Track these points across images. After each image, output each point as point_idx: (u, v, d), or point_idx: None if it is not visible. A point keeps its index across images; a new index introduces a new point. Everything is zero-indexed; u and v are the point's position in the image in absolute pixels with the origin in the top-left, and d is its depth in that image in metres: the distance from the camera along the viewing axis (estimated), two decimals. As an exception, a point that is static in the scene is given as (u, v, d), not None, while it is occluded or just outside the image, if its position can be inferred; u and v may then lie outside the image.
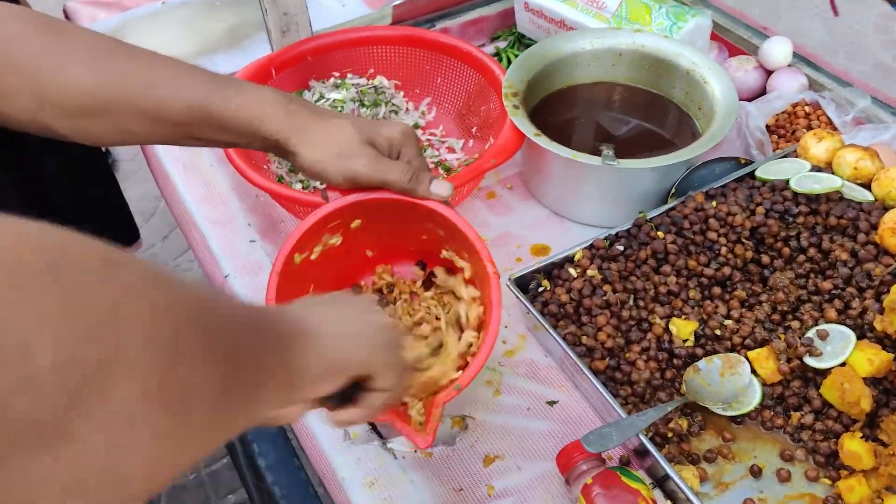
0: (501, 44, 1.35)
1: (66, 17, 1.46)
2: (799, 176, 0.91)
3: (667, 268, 0.87)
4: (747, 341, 0.83)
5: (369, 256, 0.86)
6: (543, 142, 0.95)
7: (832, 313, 0.82)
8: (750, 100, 1.15)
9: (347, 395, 0.56)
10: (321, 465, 0.81)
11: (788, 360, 0.80)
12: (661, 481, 0.75)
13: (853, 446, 0.73)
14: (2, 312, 0.24)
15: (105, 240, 0.31)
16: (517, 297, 0.85)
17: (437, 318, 0.80)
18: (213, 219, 1.05)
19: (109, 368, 0.27)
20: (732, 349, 0.83)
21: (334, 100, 1.14)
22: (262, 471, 0.79)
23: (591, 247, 0.89)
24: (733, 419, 0.80)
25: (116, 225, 1.77)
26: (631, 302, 0.86)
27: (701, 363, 0.81)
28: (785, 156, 0.98)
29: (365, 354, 0.53)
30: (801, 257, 0.88)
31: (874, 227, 0.86)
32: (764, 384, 0.80)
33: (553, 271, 0.89)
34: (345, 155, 0.69)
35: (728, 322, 0.85)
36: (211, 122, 0.68)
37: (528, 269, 0.87)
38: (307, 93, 1.16)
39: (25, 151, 1.47)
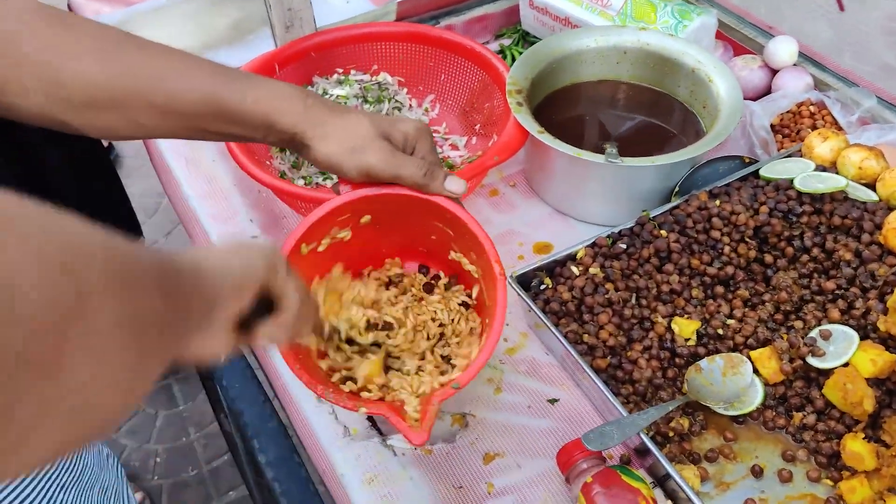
0: (506, 41, 1.35)
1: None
2: (803, 175, 0.90)
3: (669, 266, 0.87)
4: (750, 341, 0.82)
5: (378, 252, 0.86)
6: (547, 139, 0.94)
7: (835, 313, 0.81)
8: (755, 99, 1.15)
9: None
10: (321, 461, 0.81)
11: (791, 360, 0.79)
12: (661, 480, 0.75)
13: (855, 447, 0.72)
14: None
15: None
16: (519, 295, 0.84)
17: (441, 325, 0.80)
18: (216, 214, 1.05)
19: (87, 300, 0.30)
20: (735, 349, 0.83)
21: (337, 96, 1.14)
22: (262, 467, 0.79)
23: (593, 245, 0.89)
24: (735, 419, 0.80)
25: (118, 220, 1.77)
26: (633, 300, 0.86)
27: (703, 362, 0.80)
28: (789, 155, 0.97)
29: (259, 268, 0.54)
30: (805, 257, 0.87)
31: (878, 227, 0.86)
32: (766, 384, 0.80)
33: (555, 269, 0.88)
34: (360, 149, 0.70)
35: (731, 321, 0.84)
36: (224, 116, 0.68)
37: (530, 266, 0.87)
38: (310, 89, 1.16)
39: (27, 146, 1.47)
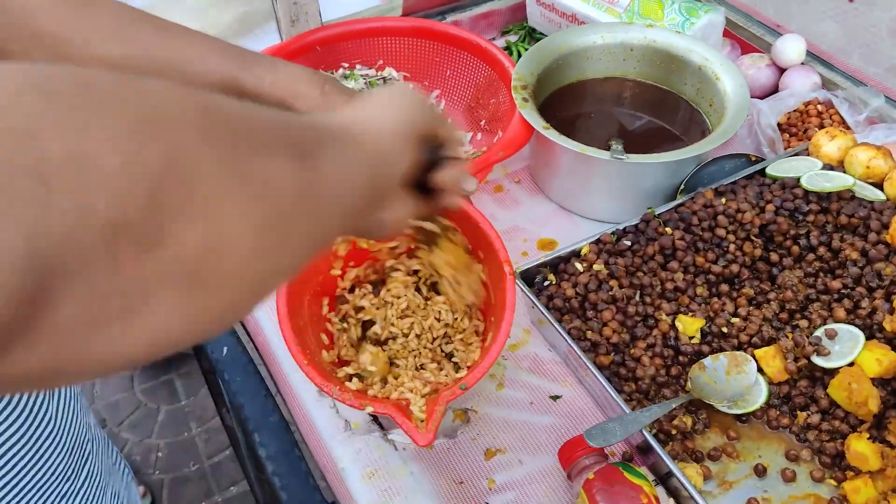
0: (512, 38, 1.35)
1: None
2: (810, 174, 0.90)
3: (674, 264, 0.86)
4: (754, 339, 0.82)
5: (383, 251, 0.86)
6: (552, 135, 0.94)
7: (841, 313, 0.81)
8: (762, 97, 1.14)
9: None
10: (321, 455, 0.80)
11: (796, 359, 0.79)
12: (664, 478, 0.74)
13: (860, 447, 0.72)
14: (57, 127, 0.25)
15: None
16: (522, 291, 0.84)
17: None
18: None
19: (179, 166, 0.28)
20: (739, 347, 0.82)
21: (342, 90, 1.13)
22: (263, 461, 0.78)
23: (597, 241, 0.88)
24: (738, 417, 0.79)
25: None
26: (637, 298, 0.85)
27: (707, 360, 0.80)
28: (796, 154, 0.97)
29: (417, 112, 0.51)
30: (811, 256, 0.87)
31: (885, 226, 0.85)
32: (770, 383, 0.79)
33: (559, 266, 0.88)
34: None
35: (735, 320, 0.84)
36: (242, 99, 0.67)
37: (534, 262, 0.87)
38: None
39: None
